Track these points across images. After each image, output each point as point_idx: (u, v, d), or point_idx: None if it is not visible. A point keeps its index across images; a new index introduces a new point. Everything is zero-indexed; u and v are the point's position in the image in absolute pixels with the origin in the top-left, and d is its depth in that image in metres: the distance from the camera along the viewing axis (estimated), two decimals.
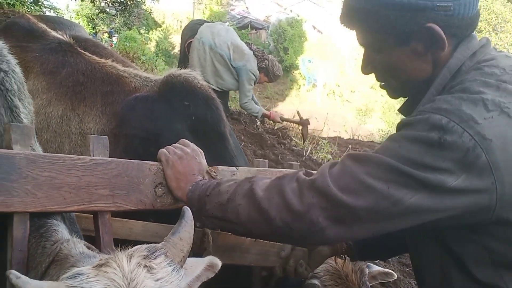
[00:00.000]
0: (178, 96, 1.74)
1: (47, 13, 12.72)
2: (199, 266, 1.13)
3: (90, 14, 22.45)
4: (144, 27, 26.27)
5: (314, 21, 40.96)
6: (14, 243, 1.14)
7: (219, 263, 1.16)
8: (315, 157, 6.09)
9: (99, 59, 2.00)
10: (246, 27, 41.35)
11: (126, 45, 18.47)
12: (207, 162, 1.62)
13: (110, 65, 1.97)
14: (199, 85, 1.75)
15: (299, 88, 31.69)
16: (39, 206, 1.16)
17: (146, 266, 0.97)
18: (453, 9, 1.25)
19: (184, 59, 6.00)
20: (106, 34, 23.46)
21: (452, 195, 1.13)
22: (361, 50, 1.45)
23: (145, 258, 0.98)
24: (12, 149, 1.15)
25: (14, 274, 0.91)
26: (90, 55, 2.03)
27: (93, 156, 1.29)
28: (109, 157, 1.46)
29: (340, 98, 30.54)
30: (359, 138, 11.53)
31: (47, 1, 12.68)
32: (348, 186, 1.19)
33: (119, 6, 13.35)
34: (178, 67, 6.48)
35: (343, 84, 31.65)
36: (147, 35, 25.82)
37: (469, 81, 1.24)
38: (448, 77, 1.32)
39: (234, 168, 1.55)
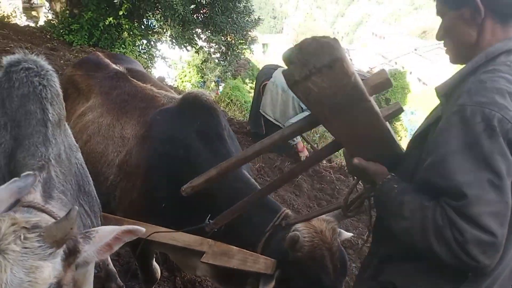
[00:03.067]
0: (190, 107, 2.33)
1: (158, 61, 14.07)
2: (111, 234, 1.42)
3: (199, 64, 24.51)
4: (249, 77, 27.68)
5: (420, 73, 40.30)
6: None
7: (140, 230, 1.47)
8: None
9: (142, 84, 2.68)
10: None
11: (230, 93, 19.90)
12: (208, 155, 2.16)
13: (149, 88, 2.64)
14: (205, 100, 2.33)
15: (400, 140, 31.08)
16: None
17: (20, 236, 1.22)
18: None
19: (257, 99, 6.64)
20: (213, 83, 25.37)
21: None
22: None
23: (23, 228, 1.25)
24: None
25: None
26: (136, 81, 2.72)
27: None
28: (136, 152, 2.08)
29: None
30: None
31: (158, 51, 14.00)
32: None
33: (220, 56, 14.48)
34: (251, 107, 7.13)
35: None
36: (251, 84, 27.24)
37: (499, 75, 1.43)
38: (483, 60, 1.50)
39: None
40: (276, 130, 5.29)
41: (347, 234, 2.23)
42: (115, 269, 3.23)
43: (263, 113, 6.49)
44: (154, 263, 2.72)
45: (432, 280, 1.54)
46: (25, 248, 1.22)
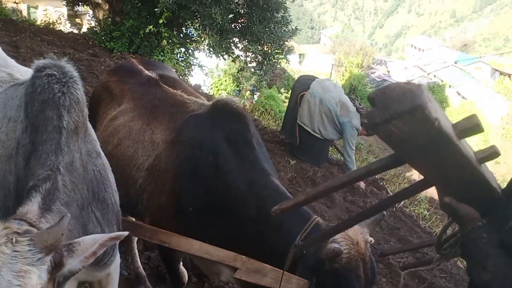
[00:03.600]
0: (219, 113, 2.35)
1: (195, 69, 14.26)
2: (94, 244, 1.43)
3: (235, 73, 24.69)
4: (284, 87, 27.67)
5: (459, 87, 39.38)
6: None
7: (123, 234, 1.49)
8: (408, 210, 6.14)
9: (173, 90, 2.72)
10: None
11: (265, 102, 19.96)
12: (236, 161, 2.19)
13: (179, 94, 2.68)
14: (235, 107, 2.34)
15: None
16: None
17: (12, 239, 1.26)
18: None
19: (294, 109, 6.64)
20: (248, 92, 25.51)
21: None
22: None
23: (14, 233, 1.28)
24: None
25: None
26: (167, 87, 2.76)
27: None
28: (165, 157, 2.12)
29: None
30: None
31: (196, 59, 14.19)
32: None
33: (256, 66, 14.55)
34: (285, 116, 7.14)
35: None
36: (286, 94, 27.25)
37: None
38: None
39: None
40: (312, 141, 5.15)
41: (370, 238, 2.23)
42: (144, 273, 3.27)
43: (301, 123, 6.49)
44: (182, 267, 2.74)
45: None
46: (15, 251, 1.25)
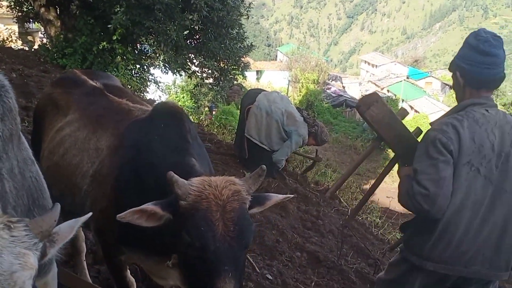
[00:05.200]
0: (157, 115, 2.40)
1: (150, 85, 14.14)
2: (71, 232, 1.47)
3: (192, 89, 24.63)
4: None
5: (412, 101, 40.81)
6: None
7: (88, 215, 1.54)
8: (360, 218, 6.30)
9: (118, 99, 2.75)
10: (341, 105, 42.40)
11: (222, 117, 20.00)
12: (169, 153, 2.19)
13: (124, 102, 2.71)
14: (172, 105, 2.42)
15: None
16: None
17: (9, 225, 1.31)
18: (467, 70, 2.51)
19: (242, 123, 6.72)
20: (206, 108, 25.49)
21: None
22: None
23: (9, 221, 1.32)
24: None
25: None
26: (112, 96, 2.78)
27: None
28: (108, 162, 2.12)
29: None
30: None
31: (152, 76, 14.12)
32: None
33: (213, 81, 14.62)
34: (237, 130, 7.21)
35: None
36: None
37: (451, 118, 2.51)
38: (455, 110, 2.60)
39: None
40: (260, 152, 5.27)
41: (279, 197, 2.05)
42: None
43: (248, 137, 6.53)
44: (130, 276, 2.72)
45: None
46: (13, 236, 1.30)
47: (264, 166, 1.94)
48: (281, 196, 2.06)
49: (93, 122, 2.62)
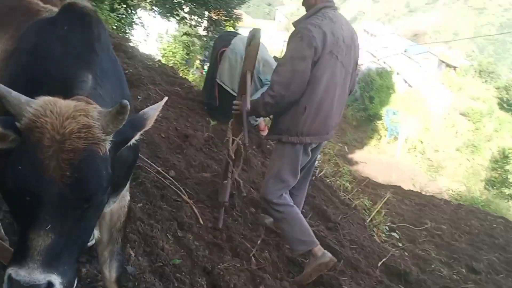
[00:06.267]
0: (63, 16, 1.96)
1: (134, 30, 13.48)
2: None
3: (186, 41, 23.82)
4: None
5: (406, 74, 40.28)
6: None
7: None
8: (328, 181, 5.97)
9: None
10: None
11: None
12: (66, 59, 1.79)
13: (35, 2, 2.28)
14: (81, 6, 1.95)
15: (379, 139, 30.85)
16: None
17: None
18: None
19: (213, 67, 6.19)
20: (198, 61, 24.81)
21: None
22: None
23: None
24: None
25: None
26: None
27: None
28: (2, 68, 1.71)
29: (422, 155, 29.15)
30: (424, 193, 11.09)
31: (139, 18, 13.51)
32: None
33: (203, 30, 14.11)
34: (207, 74, 6.72)
35: (427, 141, 30.35)
36: None
37: (313, 19, 3.21)
38: (313, 12, 3.25)
39: None
40: (232, 101, 4.64)
41: (156, 108, 1.59)
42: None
43: (220, 82, 5.97)
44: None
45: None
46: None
47: (125, 101, 1.39)
48: (157, 106, 1.59)
49: None
